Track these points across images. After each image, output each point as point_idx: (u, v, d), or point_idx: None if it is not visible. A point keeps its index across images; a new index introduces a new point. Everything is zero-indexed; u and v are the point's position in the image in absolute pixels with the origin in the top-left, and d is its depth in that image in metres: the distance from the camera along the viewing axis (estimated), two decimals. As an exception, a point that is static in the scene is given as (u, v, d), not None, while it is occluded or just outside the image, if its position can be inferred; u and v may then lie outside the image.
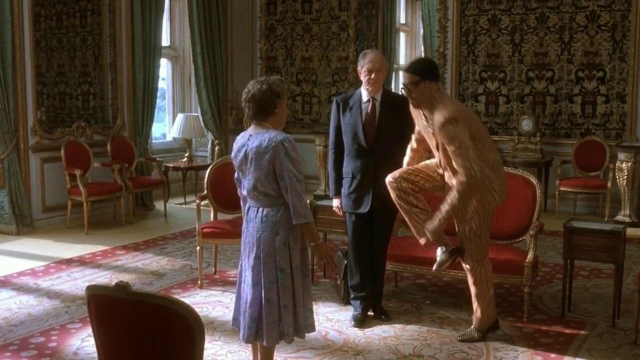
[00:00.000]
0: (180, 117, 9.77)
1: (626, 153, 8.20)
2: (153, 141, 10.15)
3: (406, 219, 4.61)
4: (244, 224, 3.88)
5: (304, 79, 10.83)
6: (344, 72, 10.50)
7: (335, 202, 5.12)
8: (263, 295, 3.73)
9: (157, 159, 9.44)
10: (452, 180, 4.38)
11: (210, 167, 6.23)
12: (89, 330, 4.50)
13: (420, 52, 11.91)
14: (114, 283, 2.49)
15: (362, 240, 5.01)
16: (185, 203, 9.57)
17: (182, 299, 3.27)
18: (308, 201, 3.81)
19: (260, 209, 3.75)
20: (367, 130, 4.88)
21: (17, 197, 7.71)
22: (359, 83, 6.16)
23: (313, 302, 4.00)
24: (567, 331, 4.89)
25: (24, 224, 7.76)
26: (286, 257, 3.72)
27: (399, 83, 11.63)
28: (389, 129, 4.87)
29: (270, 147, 3.63)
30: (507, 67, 9.44)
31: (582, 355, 4.49)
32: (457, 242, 4.65)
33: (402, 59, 13.12)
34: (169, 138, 10.87)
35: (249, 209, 3.84)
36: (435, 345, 4.63)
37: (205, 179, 6.11)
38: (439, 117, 4.27)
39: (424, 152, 4.82)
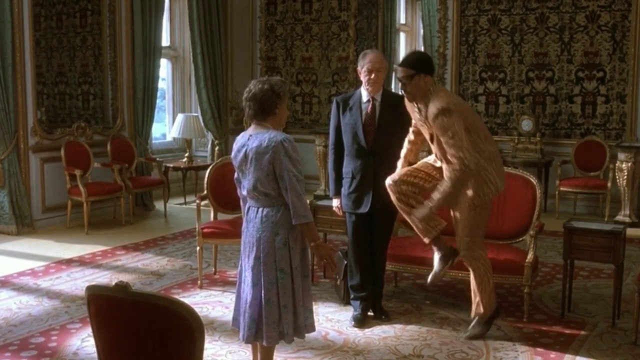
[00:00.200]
0: (180, 117, 9.77)
1: (626, 153, 8.20)
2: (153, 141, 10.15)
3: (408, 220, 4.61)
4: (244, 224, 3.88)
5: (304, 79, 10.83)
6: (344, 72, 10.50)
7: (335, 202, 5.12)
8: (263, 295, 3.72)
9: (157, 159, 9.44)
10: (447, 172, 4.39)
11: (210, 167, 6.23)
12: (89, 331, 4.50)
13: (420, 52, 11.88)
14: (114, 283, 2.49)
15: (362, 240, 5.01)
16: (185, 203, 9.57)
17: (182, 299, 3.27)
18: (308, 201, 3.81)
19: (260, 209, 3.75)
20: (367, 130, 4.88)
21: (17, 197, 7.71)
22: (359, 83, 6.16)
23: (313, 302, 4.00)
24: (567, 331, 4.89)
25: (24, 224, 7.76)
26: (286, 257, 3.72)
27: (399, 83, 11.59)
28: (389, 129, 4.87)
29: (270, 147, 3.63)
30: (507, 67, 9.44)
31: (582, 355, 4.49)
32: (453, 241, 4.65)
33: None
34: (169, 138, 10.87)
35: (248, 209, 3.84)
36: (435, 345, 4.63)
37: (205, 179, 6.11)
38: (432, 108, 4.27)
39: (422, 144, 4.81)
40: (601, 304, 5.44)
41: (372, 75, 4.84)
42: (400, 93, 4.69)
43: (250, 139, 3.73)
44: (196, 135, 9.88)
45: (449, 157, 4.31)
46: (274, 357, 3.97)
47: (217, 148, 10.41)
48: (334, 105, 5.09)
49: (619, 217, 8.17)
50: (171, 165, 9.56)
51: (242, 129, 6.28)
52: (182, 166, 9.59)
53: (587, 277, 6.16)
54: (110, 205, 8.64)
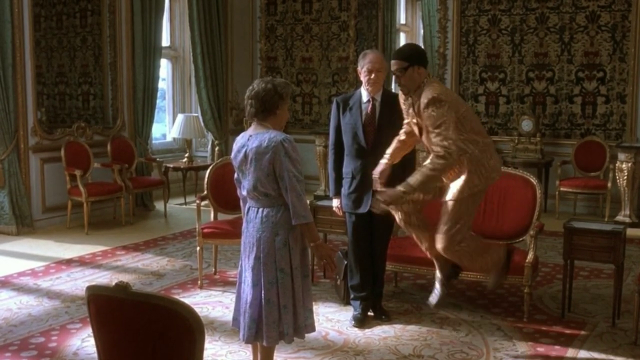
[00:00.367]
0: (180, 117, 9.77)
1: (626, 153, 8.20)
2: (153, 141, 10.15)
3: (413, 235, 4.60)
4: (244, 225, 3.88)
5: (304, 79, 10.83)
6: (344, 73, 10.50)
7: (335, 202, 5.12)
8: (263, 295, 3.73)
9: (157, 159, 9.44)
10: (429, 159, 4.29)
11: (211, 167, 6.23)
12: (89, 331, 4.49)
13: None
14: (114, 283, 2.49)
15: (362, 240, 5.01)
16: (185, 203, 9.57)
17: (182, 299, 3.27)
18: (308, 201, 3.81)
19: (260, 210, 3.75)
20: (367, 130, 4.89)
21: (17, 197, 7.72)
22: (359, 83, 6.17)
23: (313, 303, 4.00)
24: (567, 331, 4.89)
25: (24, 224, 7.76)
26: (286, 257, 3.72)
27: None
28: (389, 129, 4.86)
29: (270, 147, 3.63)
30: (507, 67, 9.44)
31: (582, 355, 4.50)
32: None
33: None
34: (169, 138, 10.87)
35: (248, 209, 3.84)
36: (435, 345, 4.63)
37: (205, 180, 6.11)
38: (424, 98, 4.25)
39: (410, 146, 4.70)
40: (601, 304, 5.44)
41: (372, 76, 4.84)
42: (399, 92, 4.67)
43: (250, 139, 3.73)
44: (196, 136, 9.88)
45: (433, 147, 4.27)
46: (274, 357, 3.97)
47: (217, 148, 10.41)
48: (334, 106, 5.09)
49: (619, 217, 8.17)
50: (171, 166, 9.57)
51: (242, 129, 6.28)
52: (182, 166, 9.59)
53: (587, 277, 6.16)
54: (110, 205, 8.64)
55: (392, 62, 4.40)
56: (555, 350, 4.57)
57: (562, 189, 8.64)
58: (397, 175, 4.48)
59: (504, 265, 4.67)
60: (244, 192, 3.84)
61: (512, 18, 9.35)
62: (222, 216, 6.23)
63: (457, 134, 4.21)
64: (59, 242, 7.40)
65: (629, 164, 8.16)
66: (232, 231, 5.67)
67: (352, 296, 5.13)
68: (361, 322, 4.96)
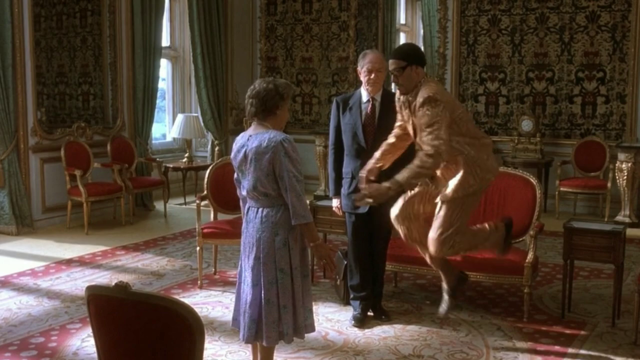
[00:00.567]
0: (180, 117, 9.77)
1: (626, 153, 8.20)
2: (153, 141, 10.15)
3: (417, 248, 4.60)
4: (244, 225, 3.88)
5: (304, 79, 10.83)
6: (344, 73, 10.50)
7: (335, 202, 5.12)
8: (263, 295, 3.73)
9: (157, 159, 9.43)
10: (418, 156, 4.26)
11: (210, 167, 6.23)
12: (89, 331, 4.50)
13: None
14: (113, 283, 2.49)
15: (361, 240, 5.01)
16: (185, 203, 9.57)
17: (182, 299, 3.27)
18: (308, 201, 3.81)
19: (260, 210, 3.75)
20: (367, 130, 4.88)
21: (17, 197, 7.72)
22: (359, 83, 6.17)
23: (313, 303, 3.99)
24: (567, 331, 4.88)
25: (24, 224, 7.76)
26: (286, 257, 3.72)
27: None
28: (388, 129, 4.84)
29: (270, 147, 3.63)
30: (507, 67, 9.44)
31: (582, 355, 4.49)
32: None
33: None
34: (169, 138, 10.87)
35: (248, 209, 3.84)
36: (435, 345, 4.63)
37: (205, 180, 6.11)
38: (420, 97, 4.25)
39: (401, 150, 4.65)
40: (601, 304, 5.44)
41: (372, 76, 4.84)
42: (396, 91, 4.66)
43: (250, 139, 3.73)
44: (196, 136, 9.89)
45: (423, 145, 4.26)
46: (274, 357, 3.97)
47: (217, 148, 10.41)
48: (333, 106, 5.10)
49: (619, 217, 8.17)
50: (171, 166, 9.57)
51: (242, 129, 6.28)
52: (182, 166, 9.60)
53: (587, 277, 6.16)
54: (110, 205, 8.64)
55: (390, 61, 4.40)
56: (555, 350, 4.57)
57: (562, 189, 8.64)
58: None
59: (506, 236, 4.61)
60: (244, 192, 3.84)
61: (512, 18, 9.35)
62: (222, 216, 6.23)
63: (450, 135, 4.21)
64: (59, 242, 7.40)
65: (629, 164, 8.16)
66: (232, 231, 5.67)
67: (351, 296, 5.13)
68: (361, 321, 4.96)
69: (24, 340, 4.66)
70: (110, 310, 2.52)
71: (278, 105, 3.74)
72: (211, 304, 5.40)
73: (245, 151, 3.73)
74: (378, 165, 4.55)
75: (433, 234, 4.39)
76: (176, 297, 5.10)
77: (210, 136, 10.48)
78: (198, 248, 5.87)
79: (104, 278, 6.10)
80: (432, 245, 4.39)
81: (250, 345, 4.02)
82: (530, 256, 4.99)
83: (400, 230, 4.55)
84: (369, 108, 4.93)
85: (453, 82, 9.69)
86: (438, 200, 4.45)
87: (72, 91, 9.07)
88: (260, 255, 3.73)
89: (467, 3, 9.58)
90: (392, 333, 4.84)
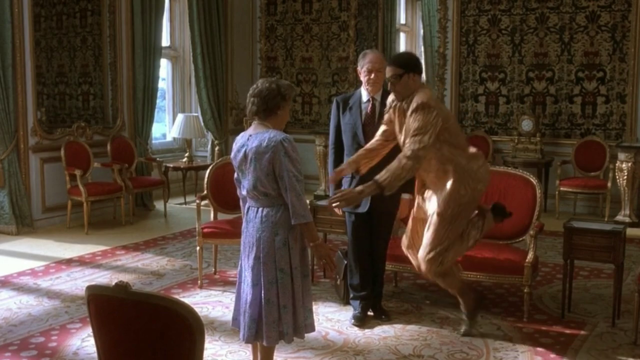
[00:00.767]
0: (180, 117, 9.77)
1: (626, 153, 8.20)
2: (153, 141, 10.15)
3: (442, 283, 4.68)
4: (244, 224, 3.88)
5: (304, 79, 10.83)
6: (344, 73, 10.50)
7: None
8: (263, 295, 3.72)
9: (157, 159, 9.43)
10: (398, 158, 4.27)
11: (210, 167, 6.23)
12: (89, 330, 4.50)
13: (421, 52, 11.90)
14: (114, 283, 2.49)
15: (361, 240, 5.01)
16: (185, 203, 9.57)
17: (182, 299, 3.27)
18: (308, 201, 3.81)
19: (260, 209, 3.75)
20: (367, 130, 4.88)
21: (17, 197, 7.72)
22: (359, 83, 6.17)
23: (313, 302, 3.99)
24: (567, 331, 4.89)
25: (24, 224, 7.76)
26: (286, 257, 3.72)
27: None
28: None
29: (270, 147, 3.63)
30: (507, 67, 9.44)
31: (582, 355, 4.49)
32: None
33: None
34: (169, 138, 10.87)
35: (248, 209, 3.84)
36: (435, 345, 4.63)
37: (205, 179, 6.11)
38: (414, 103, 4.26)
39: (379, 157, 4.66)
40: (601, 304, 5.44)
41: (372, 75, 4.84)
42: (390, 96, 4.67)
43: (250, 138, 3.73)
44: (196, 135, 9.89)
45: (405, 147, 4.25)
46: (274, 357, 3.97)
47: (217, 148, 10.41)
48: (334, 105, 5.10)
49: (619, 217, 8.17)
50: (171, 165, 9.57)
51: (242, 129, 6.28)
52: (182, 166, 9.60)
53: (587, 277, 6.16)
54: (110, 205, 8.64)
55: (388, 68, 4.43)
56: (555, 350, 4.56)
57: (562, 188, 8.64)
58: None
59: (500, 211, 4.66)
60: (244, 192, 3.84)
61: (512, 18, 9.35)
62: (222, 216, 6.23)
63: (441, 143, 4.24)
64: (59, 242, 7.40)
65: (629, 164, 8.16)
66: (232, 231, 5.67)
67: (351, 295, 5.13)
68: (361, 321, 4.96)
69: (24, 340, 4.66)
70: (110, 310, 2.52)
71: (279, 105, 3.74)
72: (211, 304, 5.40)
73: (245, 151, 3.73)
74: (348, 170, 4.63)
75: (422, 252, 4.45)
76: (176, 297, 5.10)
77: (210, 136, 10.48)
78: (198, 248, 5.87)
79: (104, 278, 6.10)
80: (422, 264, 4.46)
81: (250, 345, 4.02)
82: (530, 256, 4.99)
83: (412, 260, 4.67)
84: (369, 108, 4.93)
85: (453, 82, 9.70)
86: (428, 210, 4.48)
87: (72, 91, 9.07)
88: (260, 255, 3.73)
89: (467, 3, 9.58)
90: (392, 333, 4.84)
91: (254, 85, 3.79)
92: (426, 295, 5.67)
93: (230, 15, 10.64)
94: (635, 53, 8.69)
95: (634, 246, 7.10)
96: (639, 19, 8.66)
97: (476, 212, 4.57)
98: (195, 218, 5.93)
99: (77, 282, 5.96)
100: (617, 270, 5.03)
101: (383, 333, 4.84)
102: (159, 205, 9.19)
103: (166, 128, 10.99)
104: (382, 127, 4.62)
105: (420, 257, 4.45)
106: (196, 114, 10.16)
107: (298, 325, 3.80)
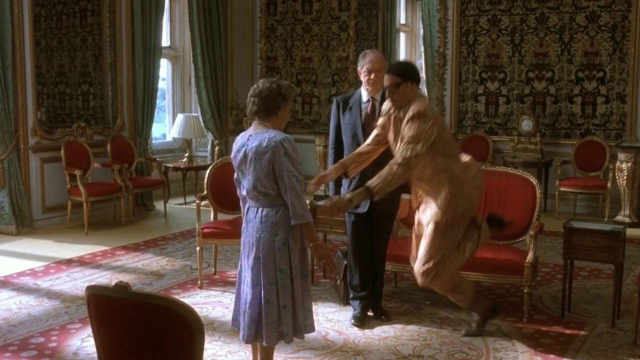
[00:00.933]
0: (180, 117, 9.77)
1: (626, 153, 8.20)
2: (153, 141, 10.15)
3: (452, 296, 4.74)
4: (244, 225, 3.88)
5: (304, 79, 10.83)
6: (344, 73, 10.50)
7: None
8: (262, 295, 3.72)
9: (157, 159, 9.44)
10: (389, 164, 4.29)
11: (210, 167, 6.23)
12: (89, 331, 4.49)
13: (420, 52, 11.90)
14: (113, 283, 2.49)
15: (361, 240, 5.01)
16: (185, 203, 9.57)
17: (182, 299, 3.27)
18: (307, 201, 3.81)
19: (260, 209, 3.75)
20: (367, 130, 4.88)
21: (17, 197, 7.71)
22: (359, 83, 6.17)
23: (313, 303, 4.00)
24: (567, 331, 4.88)
25: (24, 224, 7.76)
26: (285, 257, 3.72)
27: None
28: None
29: (270, 147, 3.63)
30: (507, 67, 9.44)
31: (582, 355, 4.49)
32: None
33: (402, 59, 13.09)
34: (169, 138, 10.87)
35: (248, 209, 3.84)
36: (435, 345, 4.63)
37: (205, 179, 6.11)
38: (410, 111, 4.27)
39: (368, 162, 4.67)
40: (601, 304, 5.44)
41: (372, 75, 4.85)
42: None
43: (250, 139, 3.73)
44: (196, 135, 9.89)
45: (397, 154, 4.27)
46: (274, 357, 3.97)
47: (217, 148, 10.41)
48: (334, 105, 5.11)
49: (619, 217, 8.17)
50: (171, 165, 9.57)
51: (242, 129, 6.28)
52: (182, 166, 9.60)
53: (587, 277, 6.16)
54: (110, 205, 8.64)
55: (386, 77, 4.44)
56: (555, 350, 4.56)
57: (562, 188, 8.64)
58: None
59: (498, 221, 4.70)
60: (244, 192, 3.84)
61: (512, 18, 9.35)
62: (222, 216, 6.23)
63: (435, 152, 4.25)
64: (58, 242, 7.40)
65: (629, 164, 8.16)
66: (232, 231, 5.67)
67: (351, 296, 5.13)
68: (361, 321, 4.96)
69: (24, 340, 4.66)
70: (110, 310, 2.52)
71: (280, 105, 3.74)
72: (211, 304, 5.40)
73: (245, 151, 3.73)
74: (334, 174, 4.62)
75: (417, 265, 4.49)
76: (176, 297, 5.10)
77: (210, 136, 10.48)
78: (198, 248, 5.87)
79: (104, 278, 6.10)
80: (418, 278, 4.50)
81: (250, 345, 4.02)
82: (530, 256, 4.99)
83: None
84: (369, 108, 4.93)
85: (453, 82, 9.70)
86: (424, 219, 4.49)
87: (72, 91, 9.07)
88: (260, 255, 3.73)
89: (467, 3, 9.58)
90: (392, 333, 4.84)
91: (255, 85, 3.79)
92: (426, 295, 5.67)
93: (230, 15, 10.64)
94: (635, 53, 8.69)
95: (634, 246, 7.10)
96: (639, 19, 8.66)
97: (472, 223, 4.58)
98: (195, 218, 5.93)
99: (77, 282, 5.96)
100: (617, 270, 5.03)
101: (383, 333, 4.84)
102: (159, 205, 9.19)
103: (166, 128, 11.00)
104: (375, 132, 4.64)
105: (415, 270, 4.50)
106: (196, 114, 10.16)
107: (298, 325, 3.80)
